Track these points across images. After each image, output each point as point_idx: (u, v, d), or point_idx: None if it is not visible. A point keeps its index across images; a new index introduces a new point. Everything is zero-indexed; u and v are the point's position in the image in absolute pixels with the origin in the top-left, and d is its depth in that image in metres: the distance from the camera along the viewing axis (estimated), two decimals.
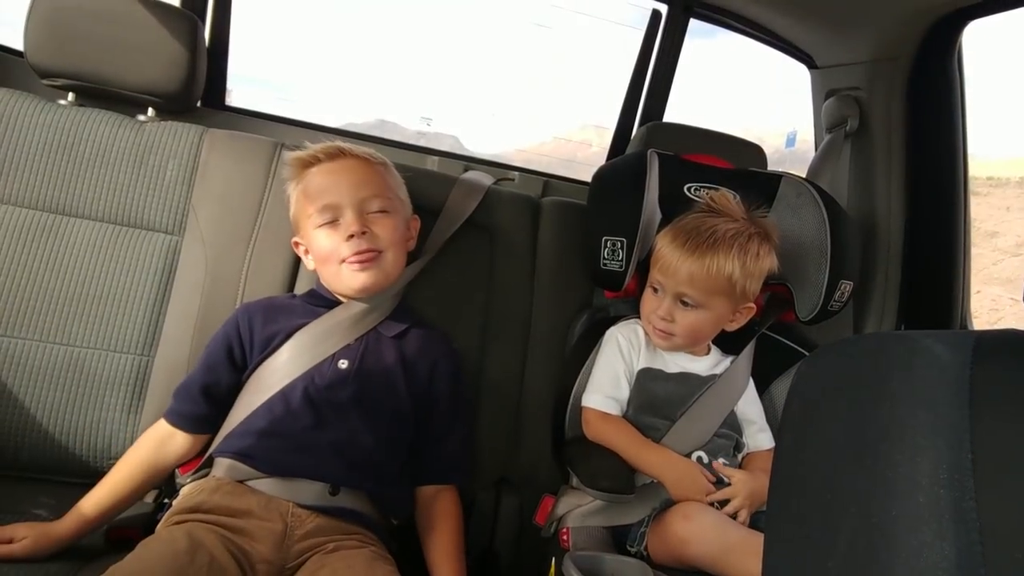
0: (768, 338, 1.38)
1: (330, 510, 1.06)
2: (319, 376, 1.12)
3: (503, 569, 1.32)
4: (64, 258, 1.29)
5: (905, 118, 1.55)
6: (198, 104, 1.51)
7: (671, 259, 1.21)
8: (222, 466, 1.10)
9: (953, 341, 0.40)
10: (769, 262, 1.24)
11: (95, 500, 1.09)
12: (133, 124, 1.37)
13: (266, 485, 1.07)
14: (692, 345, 1.27)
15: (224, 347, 1.17)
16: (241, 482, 1.07)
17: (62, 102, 1.38)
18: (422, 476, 1.18)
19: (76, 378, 1.25)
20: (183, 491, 1.11)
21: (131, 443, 1.24)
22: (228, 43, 1.70)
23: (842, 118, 1.62)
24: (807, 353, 1.39)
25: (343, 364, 1.14)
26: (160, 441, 1.15)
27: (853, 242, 1.36)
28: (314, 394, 1.11)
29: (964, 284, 1.48)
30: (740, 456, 1.25)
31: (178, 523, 1.01)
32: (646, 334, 1.28)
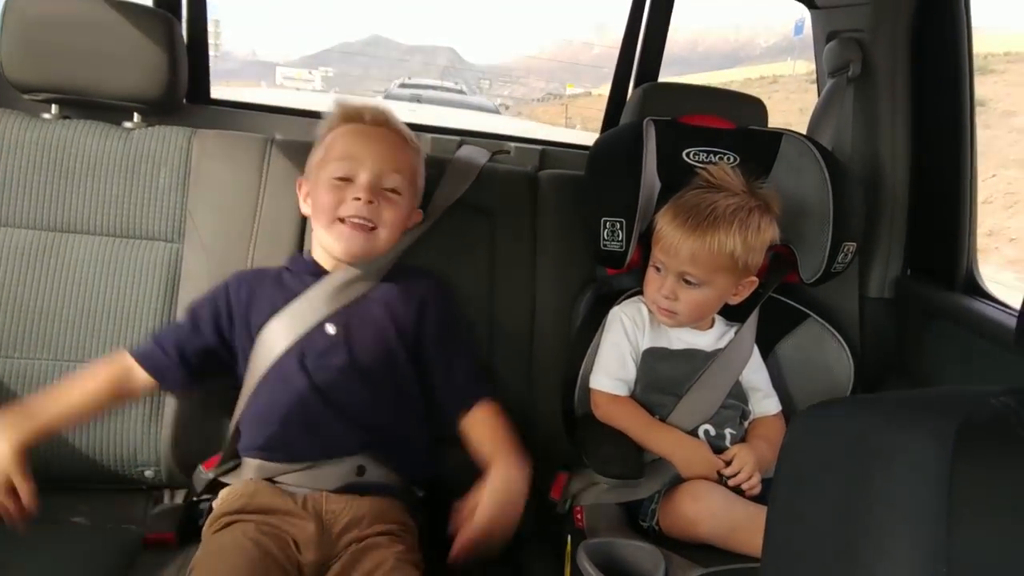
0: (772, 299, 1.38)
1: (360, 487, 1.10)
2: (309, 347, 1.14)
3: (525, 542, 1.37)
4: (68, 275, 1.30)
5: (909, 61, 1.49)
6: (184, 101, 1.48)
7: (672, 238, 1.21)
8: (251, 467, 1.14)
9: (936, 434, 0.41)
10: (771, 234, 1.23)
11: (51, 412, 1.09)
12: (120, 133, 1.36)
13: (296, 479, 1.11)
14: (696, 321, 1.27)
15: (211, 309, 1.19)
16: (273, 481, 1.11)
17: (46, 116, 1.37)
18: (447, 410, 1.20)
19: None
20: (222, 495, 1.14)
21: (155, 451, 1.29)
22: (207, 35, 1.66)
23: (844, 62, 1.57)
24: (811, 314, 1.40)
25: (331, 330, 1.15)
26: (124, 373, 1.15)
27: (856, 202, 1.34)
28: (309, 366, 1.13)
29: (971, 230, 1.46)
30: (746, 423, 1.27)
31: (228, 524, 1.05)
32: (650, 311, 1.28)
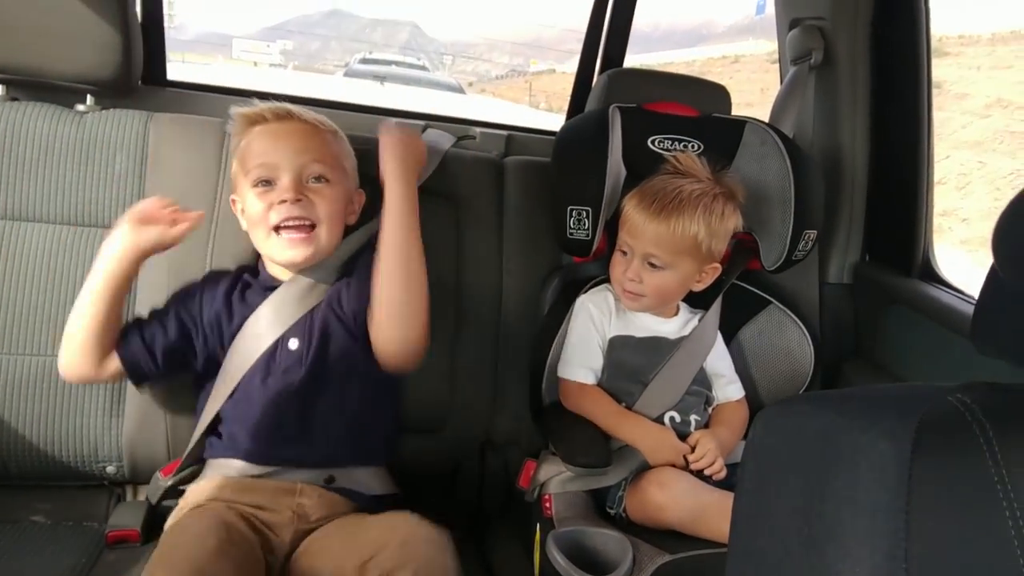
0: (735, 286, 1.41)
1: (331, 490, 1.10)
2: (272, 362, 1.12)
3: (494, 529, 1.38)
4: (20, 265, 1.26)
5: (869, 51, 1.52)
6: (139, 83, 1.44)
7: (638, 221, 1.22)
8: (216, 468, 1.12)
9: (894, 434, 0.42)
10: (734, 222, 1.25)
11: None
12: (73, 116, 1.32)
13: (266, 475, 1.10)
14: (661, 306, 1.29)
15: (181, 310, 1.17)
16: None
17: None
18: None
19: (52, 387, 1.25)
20: (189, 488, 1.13)
21: (117, 446, 1.26)
22: (162, 14, 1.60)
23: (806, 50, 1.58)
24: (773, 300, 1.42)
25: (293, 344, 1.13)
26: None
27: (817, 191, 1.36)
28: (273, 384, 1.11)
29: (927, 217, 1.50)
30: (710, 410, 1.30)
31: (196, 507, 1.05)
32: (615, 299, 1.29)
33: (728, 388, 1.32)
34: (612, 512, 1.20)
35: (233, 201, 1.23)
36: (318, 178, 1.15)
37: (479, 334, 1.41)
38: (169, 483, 1.16)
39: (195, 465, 1.17)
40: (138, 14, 1.46)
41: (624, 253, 1.26)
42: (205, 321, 1.17)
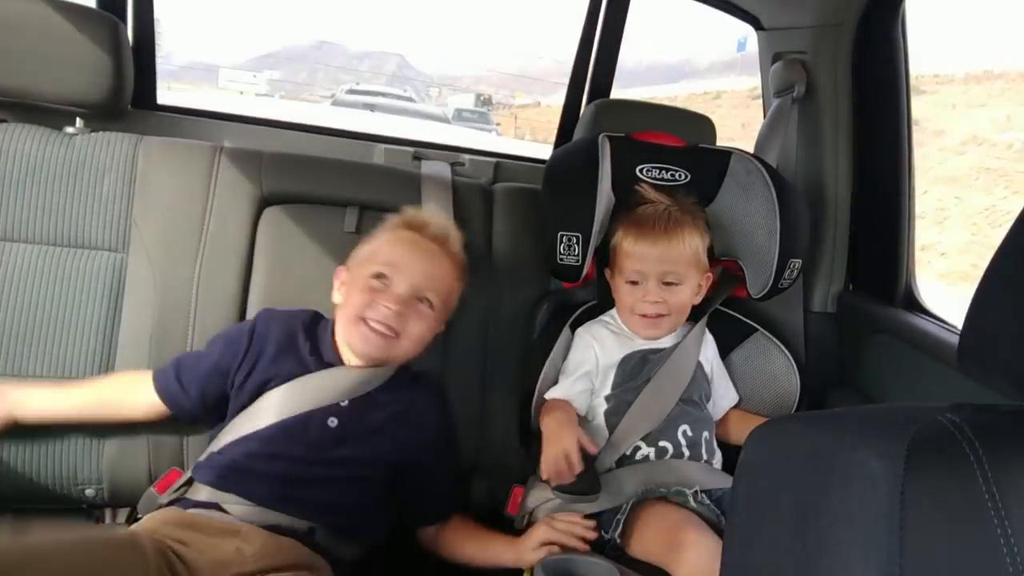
0: (722, 313, 1.42)
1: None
2: (305, 431, 1.12)
3: None
4: (6, 285, 1.25)
5: (851, 84, 1.55)
6: (129, 107, 1.44)
7: (644, 248, 1.28)
8: (203, 493, 1.10)
9: (887, 452, 0.42)
10: (707, 235, 1.35)
11: (42, 397, 1.17)
12: (62, 138, 1.31)
13: (240, 511, 1.07)
14: (680, 323, 1.33)
15: (229, 350, 1.19)
16: (215, 507, 1.07)
17: None
18: (418, 519, 1.25)
19: None
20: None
21: (97, 469, 1.24)
22: (154, 39, 1.61)
23: (789, 83, 1.62)
24: (759, 328, 1.44)
25: (332, 423, 1.14)
26: (132, 385, 1.20)
27: (802, 220, 1.38)
28: (299, 450, 1.11)
29: (909, 247, 1.52)
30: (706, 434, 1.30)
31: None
32: (612, 333, 1.31)
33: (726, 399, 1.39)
34: (607, 537, 1.19)
35: (338, 272, 1.25)
36: (426, 300, 1.19)
37: (467, 359, 1.40)
38: (166, 500, 1.13)
39: (187, 486, 1.14)
40: (130, 39, 1.47)
41: (635, 283, 1.29)
42: (249, 358, 1.18)
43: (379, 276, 1.17)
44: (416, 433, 1.20)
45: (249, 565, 1.00)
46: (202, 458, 1.14)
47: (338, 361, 1.19)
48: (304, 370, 1.16)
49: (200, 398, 1.18)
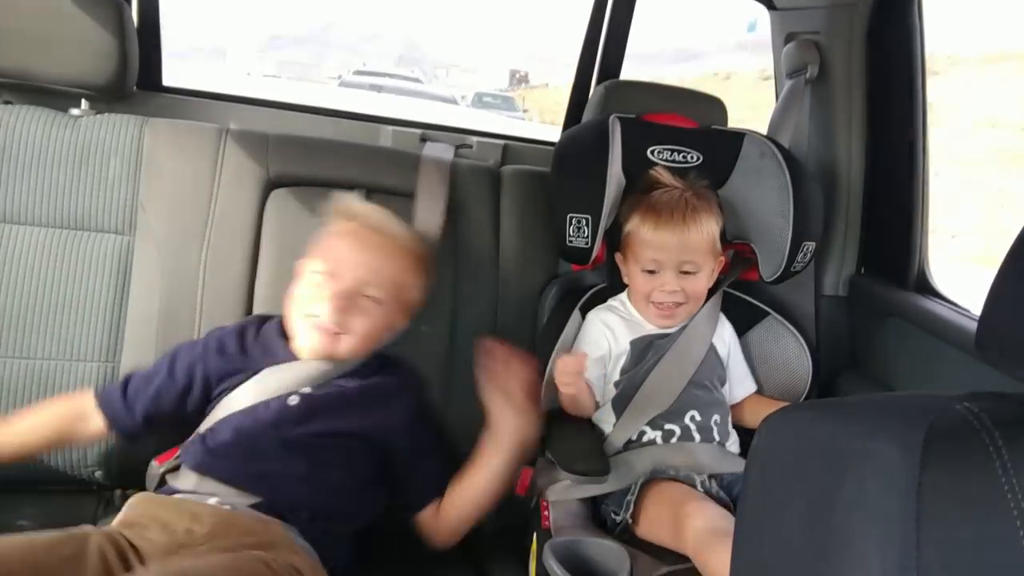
0: (734, 297, 1.41)
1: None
2: (267, 411, 1.11)
3: (488, 536, 1.37)
4: (12, 268, 1.25)
5: (865, 65, 1.52)
6: (134, 88, 1.43)
7: (663, 237, 1.25)
8: (189, 478, 1.10)
9: (904, 442, 0.41)
10: (720, 219, 1.32)
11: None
12: (68, 120, 1.31)
13: (218, 492, 1.06)
14: (695, 312, 1.31)
15: (185, 374, 1.16)
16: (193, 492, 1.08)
17: None
18: (409, 506, 1.20)
19: (41, 392, 1.24)
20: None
21: (106, 450, 1.25)
22: (159, 19, 1.60)
23: (802, 64, 1.59)
24: (771, 311, 1.42)
25: (293, 400, 1.12)
26: (79, 415, 1.15)
27: (815, 203, 1.36)
28: (263, 429, 1.10)
29: (923, 230, 1.50)
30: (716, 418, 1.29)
31: None
32: (621, 319, 1.30)
33: (743, 384, 1.37)
34: (618, 518, 1.18)
35: (302, 261, 1.20)
36: (371, 297, 1.15)
37: (475, 342, 1.40)
38: (161, 471, 1.14)
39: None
40: (135, 19, 1.46)
41: (652, 272, 1.27)
42: (205, 374, 1.16)
43: (320, 272, 1.14)
44: (385, 413, 1.16)
45: (199, 544, 0.98)
46: (187, 441, 1.14)
47: (292, 356, 1.16)
48: (258, 366, 1.15)
49: (144, 418, 1.15)
